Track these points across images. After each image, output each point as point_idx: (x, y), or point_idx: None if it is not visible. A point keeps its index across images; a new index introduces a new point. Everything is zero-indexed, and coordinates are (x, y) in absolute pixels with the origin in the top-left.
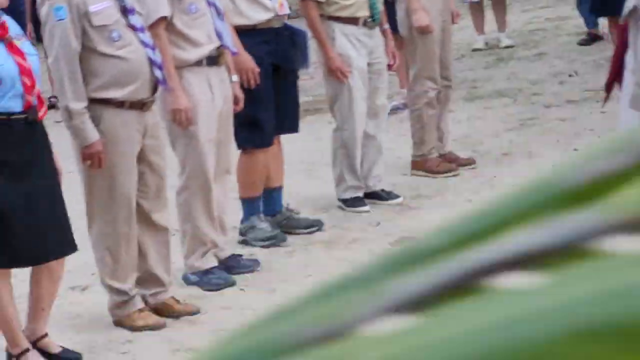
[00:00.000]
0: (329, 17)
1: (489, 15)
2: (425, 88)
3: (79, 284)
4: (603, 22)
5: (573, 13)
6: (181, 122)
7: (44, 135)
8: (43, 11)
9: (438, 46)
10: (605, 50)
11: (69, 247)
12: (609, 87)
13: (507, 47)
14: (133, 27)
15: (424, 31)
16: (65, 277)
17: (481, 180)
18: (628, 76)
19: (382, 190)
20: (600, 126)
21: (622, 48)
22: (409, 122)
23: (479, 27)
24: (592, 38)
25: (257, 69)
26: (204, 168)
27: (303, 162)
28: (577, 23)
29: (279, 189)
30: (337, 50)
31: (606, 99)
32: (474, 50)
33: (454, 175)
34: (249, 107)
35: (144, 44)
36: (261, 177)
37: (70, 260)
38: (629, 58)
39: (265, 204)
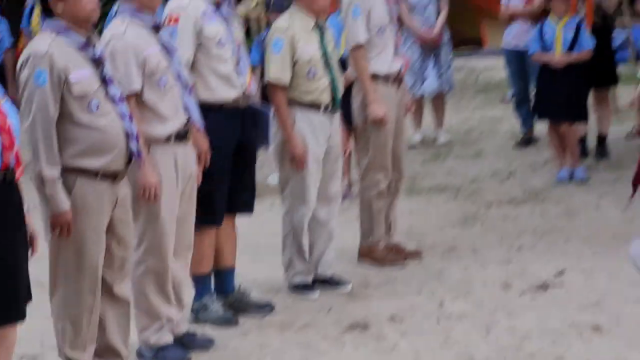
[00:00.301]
0: (291, 102)
1: (426, 112)
2: (376, 179)
3: (28, 354)
4: (540, 126)
5: (506, 114)
6: (148, 198)
7: (19, 196)
8: (23, 75)
9: (391, 138)
10: (541, 153)
11: (16, 315)
12: (635, 184)
13: (444, 144)
14: (112, 98)
15: (380, 123)
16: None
17: (428, 273)
18: None
19: (332, 276)
20: (542, 227)
21: None
22: (350, 211)
23: (417, 122)
24: (529, 140)
25: (210, 152)
26: (161, 246)
27: (247, 245)
28: (511, 124)
29: (231, 270)
30: (296, 135)
31: (633, 195)
32: (412, 145)
33: (400, 267)
34: (204, 184)
35: (122, 115)
36: (210, 255)
37: (18, 329)
38: None
39: (217, 284)
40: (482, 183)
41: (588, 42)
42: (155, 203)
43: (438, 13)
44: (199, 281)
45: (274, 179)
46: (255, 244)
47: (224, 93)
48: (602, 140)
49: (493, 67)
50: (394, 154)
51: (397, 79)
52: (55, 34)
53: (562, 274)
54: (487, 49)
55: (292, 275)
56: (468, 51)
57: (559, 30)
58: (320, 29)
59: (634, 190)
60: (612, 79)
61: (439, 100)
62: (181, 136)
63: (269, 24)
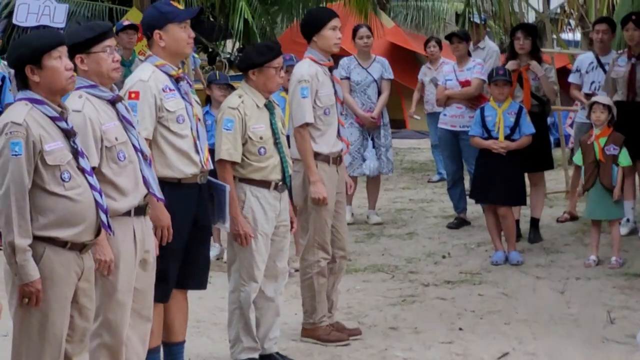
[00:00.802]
0: (241, 179)
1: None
2: (317, 257)
3: None
4: (471, 207)
5: (435, 196)
6: (103, 272)
7: None
8: None
9: (330, 217)
10: (473, 235)
11: None
12: None
13: (376, 224)
14: (83, 170)
15: (320, 203)
16: None
17: (372, 352)
18: None
19: (277, 353)
20: (481, 308)
21: None
22: (288, 287)
23: (349, 199)
24: (461, 222)
25: (171, 229)
26: (117, 320)
27: (189, 320)
28: (441, 206)
29: (181, 344)
30: (246, 212)
31: None
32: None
33: (344, 345)
34: (159, 260)
35: (92, 187)
36: (159, 329)
37: None
38: None
39: (167, 358)
40: (417, 263)
41: (529, 127)
42: (111, 277)
43: (378, 94)
44: (148, 355)
45: (211, 252)
46: (197, 319)
47: (184, 169)
48: (535, 223)
49: (416, 148)
50: (336, 232)
51: (338, 158)
52: (31, 105)
53: (506, 356)
54: (409, 130)
55: (238, 351)
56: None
57: (499, 114)
58: (270, 106)
59: None
60: (547, 164)
61: (375, 182)
62: (140, 210)
63: (208, 99)
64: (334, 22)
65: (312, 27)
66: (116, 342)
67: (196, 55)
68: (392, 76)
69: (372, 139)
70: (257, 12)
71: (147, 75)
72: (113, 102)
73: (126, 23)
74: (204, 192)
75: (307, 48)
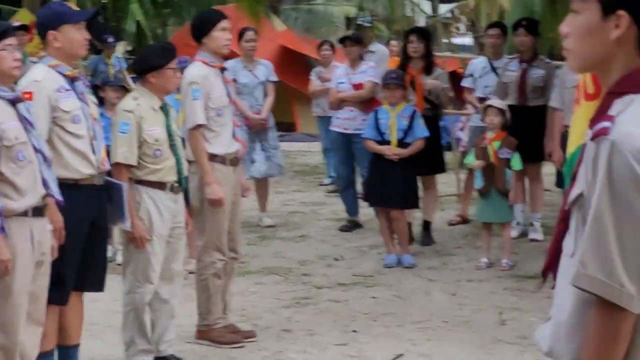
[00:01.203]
0: (137, 181)
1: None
2: (213, 259)
3: None
4: (363, 210)
5: (327, 199)
6: None
7: None
8: None
9: (227, 218)
10: (366, 238)
11: None
12: (545, 273)
13: (268, 226)
14: None
15: (216, 204)
16: None
17: (266, 354)
18: (566, 260)
19: (172, 355)
20: (375, 311)
21: (561, 236)
22: (184, 290)
23: None
24: (353, 225)
25: (64, 231)
26: (12, 322)
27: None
28: (333, 209)
29: (75, 347)
30: (142, 214)
31: (542, 284)
32: None
33: (238, 347)
34: (56, 262)
35: None
36: (54, 332)
37: None
38: (568, 244)
39: None
40: (310, 266)
41: (422, 130)
42: (7, 279)
43: (265, 97)
44: (42, 358)
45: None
46: (90, 321)
47: (80, 169)
48: (427, 226)
49: (307, 151)
50: (230, 235)
51: (234, 160)
52: None
53: (400, 358)
54: (299, 133)
55: (133, 353)
56: (281, 134)
57: (393, 117)
58: (165, 109)
59: (544, 279)
60: (439, 167)
61: (263, 184)
62: (38, 210)
63: (102, 101)
64: (223, 23)
65: (201, 29)
66: (11, 344)
67: (120, 56)
68: (276, 79)
69: (260, 142)
70: (149, 15)
71: (41, 76)
72: (13, 102)
73: (16, 24)
74: (101, 192)
75: (198, 51)
